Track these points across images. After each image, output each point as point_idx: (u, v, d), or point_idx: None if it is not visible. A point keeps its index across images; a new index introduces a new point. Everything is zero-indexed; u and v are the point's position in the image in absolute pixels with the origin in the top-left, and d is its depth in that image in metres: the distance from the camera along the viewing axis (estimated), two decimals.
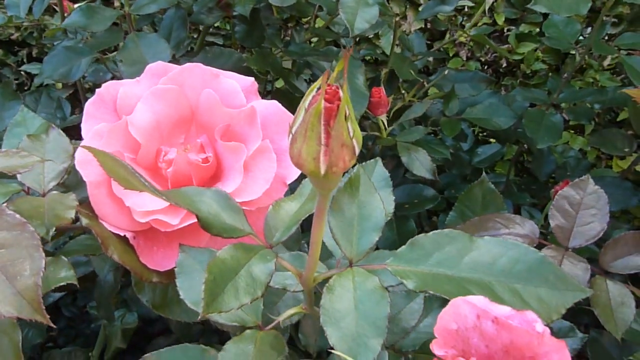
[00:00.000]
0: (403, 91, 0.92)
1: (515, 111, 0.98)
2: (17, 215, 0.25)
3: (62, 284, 0.35)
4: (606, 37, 1.08)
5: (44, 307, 0.23)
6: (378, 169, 0.41)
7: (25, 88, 1.54)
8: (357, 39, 1.33)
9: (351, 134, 0.19)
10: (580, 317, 0.64)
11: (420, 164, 0.78)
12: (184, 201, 0.27)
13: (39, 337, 0.87)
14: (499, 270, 0.28)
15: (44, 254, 0.24)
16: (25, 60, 1.65)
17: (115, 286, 0.74)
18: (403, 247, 0.29)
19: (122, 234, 0.37)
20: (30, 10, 0.83)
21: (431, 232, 0.29)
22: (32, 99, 0.93)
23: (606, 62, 1.16)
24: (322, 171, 0.19)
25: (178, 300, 0.44)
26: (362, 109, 0.72)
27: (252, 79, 0.45)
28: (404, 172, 1.02)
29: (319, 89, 0.18)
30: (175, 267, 0.35)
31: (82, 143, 0.38)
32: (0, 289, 0.23)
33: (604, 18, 0.87)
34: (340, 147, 0.18)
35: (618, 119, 1.21)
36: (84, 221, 0.34)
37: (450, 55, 1.33)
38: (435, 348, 0.21)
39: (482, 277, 0.27)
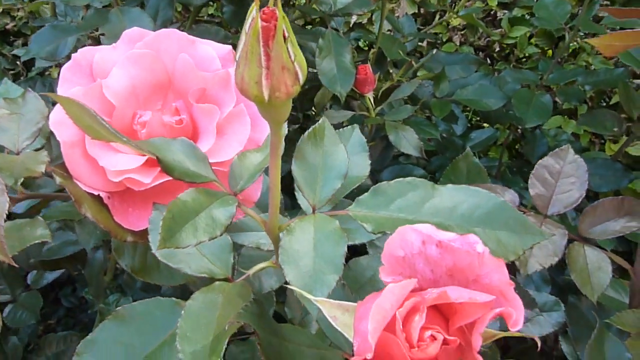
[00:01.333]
0: (392, 70, 0.92)
1: (506, 93, 0.98)
2: None
3: (37, 241, 0.35)
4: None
5: (6, 247, 0.24)
6: (355, 135, 0.42)
7: (21, 78, 1.54)
8: (351, 25, 1.33)
9: (292, 57, 0.19)
10: (566, 295, 0.65)
11: (408, 142, 0.78)
12: (151, 149, 0.28)
13: (32, 318, 0.88)
14: (459, 215, 0.28)
15: (7, 199, 0.25)
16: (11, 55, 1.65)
17: (104, 263, 0.75)
18: (366, 194, 0.29)
19: (96, 193, 0.37)
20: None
21: (394, 180, 0.30)
22: (26, 86, 0.94)
23: None
24: (266, 96, 0.19)
25: (157, 265, 0.45)
26: (348, 86, 0.72)
27: (230, 47, 0.45)
28: (398, 156, 1.02)
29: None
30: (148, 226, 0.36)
31: (56, 108, 0.39)
32: None
33: None
34: (280, 69, 0.19)
35: (611, 102, 1.21)
36: (58, 180, 0.35)
37: (444, 40, 1.33)
38: (383, 275, 0.21)
39: (442, 221, 0.28)
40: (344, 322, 0.23)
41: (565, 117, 1.32)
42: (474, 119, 1.36)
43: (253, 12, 0.18)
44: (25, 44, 1.66)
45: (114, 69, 0.40)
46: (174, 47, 0.42)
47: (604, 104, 1.21)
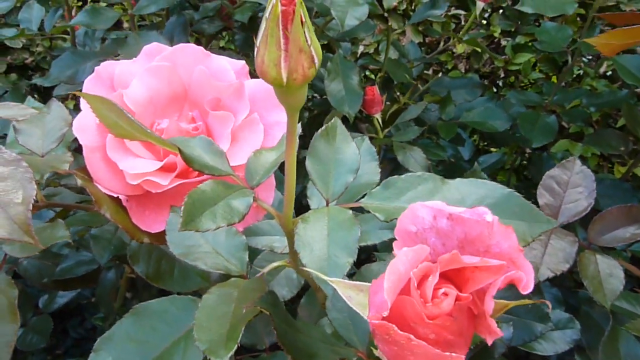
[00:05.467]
0: (398, 94, 0.94)
1: (512, 115, 1.00)
2: (13, 153, 0.27)
3: (58, 241, 0.36)
4: None
5: (33, 230, 0.25)
6: (365, 144, 0.43)
7: None
8: (359, 55, 1.37)
9: (308, 42, 0.20)
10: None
11: (415, 161, 0.79)
12: (172, 144, 0.29)
13: (42, 342, 0.88)
14: (468, 206, 0.29)
15: (35, 186, 0.26)
16: (28, 85, 1.70)
17: (116, 282, 0.76)
18: (378, 187, 0.30)
19: (115, 196, 0.38)
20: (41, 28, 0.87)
21: (404, 175, 0.31)
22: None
23: (602, 69, 1.18)
24: (284, 77, 0.21)
25: (171, 272, 0.45)
26: (356, 107, 0.74)
27: (243, 61, 0.47)
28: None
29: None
30: (165, 229, 0.37)
31: (79, 115, 0.40)
32: None
33: (595, 21, 0.89)
34: (298, 52, 0.20)
35: (617, 125, 1.22)
36: (79, 182, 0.36)
37: (449, 68, 1.35)
38: (396, 249, 0.22)
39: None
40: (358, 301, 0.24)
41: (572, 141, 1.33)
42: (481, 144, 1.37)
43: (272, 1, 0.20)
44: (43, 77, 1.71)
45: (134, 80, 0.42)
46: (190, 60, 0.44)
47: (608, 125, 1.22)
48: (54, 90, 0.86)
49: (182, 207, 0.25)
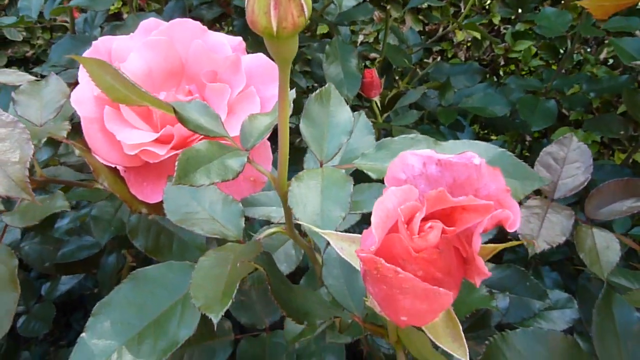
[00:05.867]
0: (398, 78, 0.94)
1: (511, 101, 1.00)
2: (10, 115, 0.27)
3: (57, 210, 0.37)
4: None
5: (30, 187, 0.25)
6: (362, 119, 0.43)
7: None
8: (358, 44, 1.37)
9: None
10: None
11: None
12: (169, 108, 0.29)
13: (45, 328, 0.89)
14: None
15: (32, 146, 0.27)
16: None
17: (117, 266, 0.77)
18: (371, 148, 0.30)
19: (113, 166, 0.39)
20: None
21: (397, 137, 0.31)
22: None
23: (602, 55, 1.18)
24: (274, 26, 0.21)
25: (169, 245, 0.46)
26: (355, 90, 0.74)
27: (240, 38, 0.48)
28: None
29: None
30: (162, 198, 0.37)
31: (77, 87, 0.41)
32: None
33: None
34: (288, 0, 0.20)
35: (618, 112, 1.22)
36: (77, 152, 0.36)
37: (449, 56, 1.35)
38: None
39: None
40: (350, 252, 0.24)
41: (572, 128, 1.33)
42: (481, 132, 1.37)
43: None
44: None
45: (132, 53, 0.42)
46: (188, 34, 0.44)
47: (608, 111, 1.22)
48: None
49: (176, 163, 0.25)
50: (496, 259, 0.73)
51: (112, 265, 0.76)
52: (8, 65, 1.72)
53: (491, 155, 0.29)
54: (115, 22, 0.94)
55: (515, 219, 0.19)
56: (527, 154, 1.28)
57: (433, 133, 0.93)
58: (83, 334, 0.32)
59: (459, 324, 0.22)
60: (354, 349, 0.60)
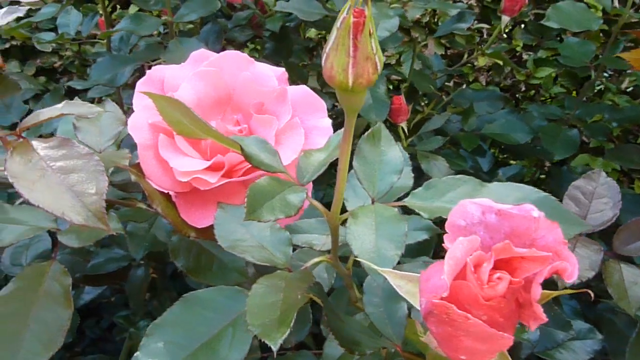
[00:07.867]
0: (422, 103, 0.96)
1: (533, 129, 1.01)
2: (86, 148, 0.30)
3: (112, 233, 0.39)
4: None
5: (106, 217, 0.27)
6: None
7: None
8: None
9: (374, 50, 0.23)
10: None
11: (439, 170, 0.81)
12: (230, 142, 0.31)
13: (69, 337, 0.91)
14: None
15: (107, 179, 0.29)
16: (66, 87, 1.75)
17: (146, 279, 0.79)
18: (420, 188, 0.32)
19: (165, 192, 0.41)
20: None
21: (445, 177, 0.33)
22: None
23: (624, 85, 1.19)
24: (350, 82, 0.23)
25: (209, 267, 0.48)
26: (383, 115, 0.76)
27: (283, 69, 0.50)
28: None
29: (348, 11, 0.22)
30: (211, 225, 0.39)
31: (132, 115, 0.43)
32: (71, 203, 0.27)
33: (619, 37, 0.91)
34: (365, 59, 0.22)
35: (638, 141, 1.23)
36: (133, 178, 0.38)
37: (470, 80, 1.37)
38: (447, 242, 0.23)
39: None
40: (407, 290, 0.25)
41: (592, 156, 1.34)
42: (500, 156, 1.38)
43: (345, 10, 0.22)
44: (70, 81, 1.76)
45: (184, 83, 0.44)
46: (235, 66, 0.47)
47: (629, 141, 1.22)
48: (87, 93, 0.89)
49: (246, 199, 0.27)
50: None
51: (141, 278, 0.78)
52: (36, 74, 1.76)
53: (535, 198, 0.31)
54: (146, 40, 0.97)
55: (572, 270, 0.20)
56: (542, 176, 1.29)
57: (455, 157, 0.95)
58: (137, 353, 0.34)
59: None
60: None
